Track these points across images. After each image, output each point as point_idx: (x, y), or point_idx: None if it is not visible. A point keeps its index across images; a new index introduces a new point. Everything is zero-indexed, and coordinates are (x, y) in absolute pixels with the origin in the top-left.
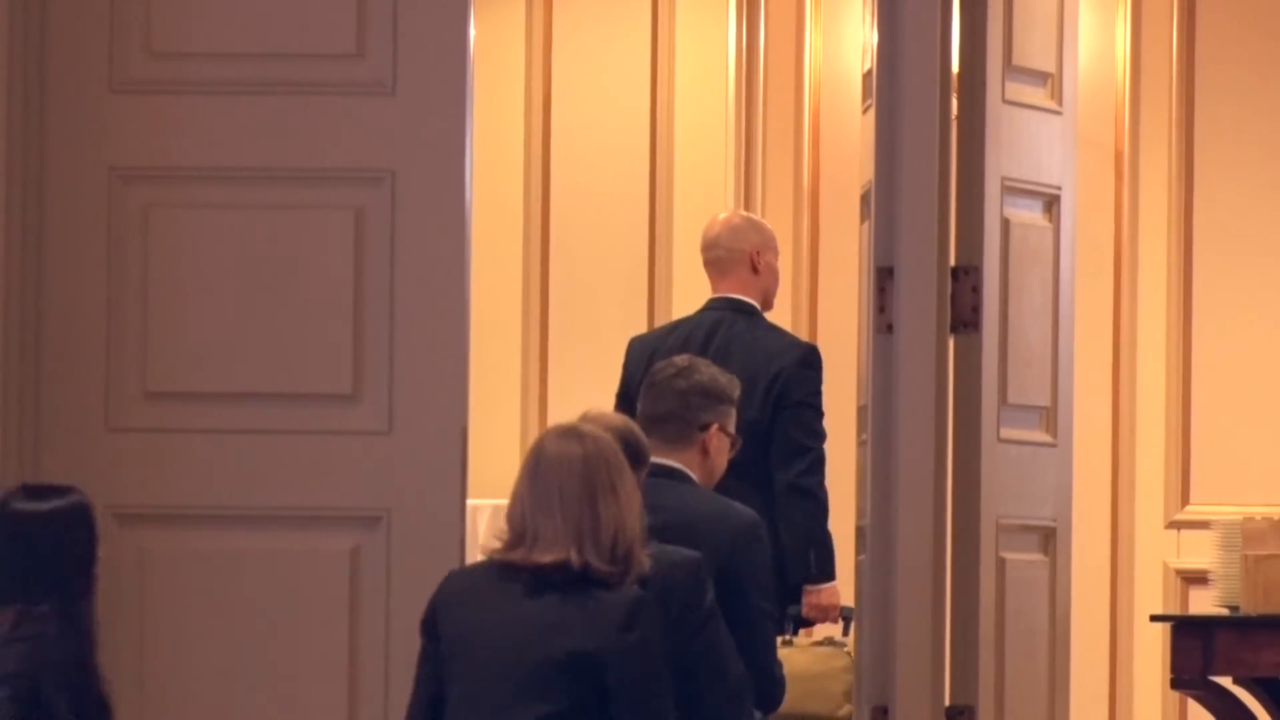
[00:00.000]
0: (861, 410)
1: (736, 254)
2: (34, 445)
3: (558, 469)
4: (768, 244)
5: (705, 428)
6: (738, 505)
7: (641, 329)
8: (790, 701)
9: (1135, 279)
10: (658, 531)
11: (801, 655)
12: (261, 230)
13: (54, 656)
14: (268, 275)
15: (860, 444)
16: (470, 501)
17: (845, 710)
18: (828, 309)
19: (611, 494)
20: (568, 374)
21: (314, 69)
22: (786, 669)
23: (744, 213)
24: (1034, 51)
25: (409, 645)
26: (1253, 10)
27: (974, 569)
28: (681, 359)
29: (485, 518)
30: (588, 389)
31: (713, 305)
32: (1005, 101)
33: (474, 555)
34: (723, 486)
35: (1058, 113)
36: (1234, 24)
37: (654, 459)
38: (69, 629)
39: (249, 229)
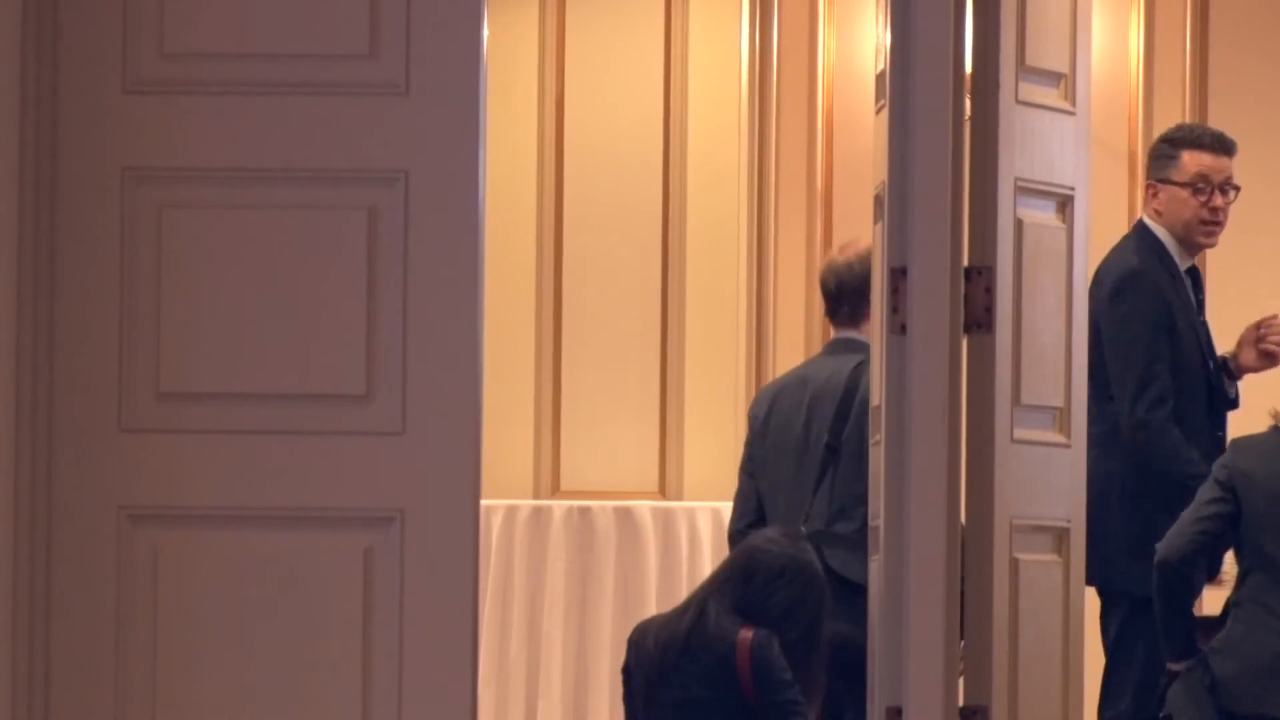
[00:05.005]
0: (875, 410)
1: None
2: (47, 445)
3: None
4: None
5: None
6: None
7: (655, 326)
8: None
9: None
10: None
11: None
12: (274, 231)
13: None
14: (280, 275)
15: (874, 444)
16: (484, 502)
17: None
18: None
19: None
20: (581, 372)
21: (327, 69)
22: None
23: None
24: (1047, 52)
25: (422, 644)
26: (1266, 11)
27: (987, 569)
28: None
29: (499, 518)
30: (601, 388)
31: None
32: (1018, 102)
33: (487, 557)
34: None
35: (1071, 113)
36: (1247, 24)
37: None
38: None
39: (262, 229)
